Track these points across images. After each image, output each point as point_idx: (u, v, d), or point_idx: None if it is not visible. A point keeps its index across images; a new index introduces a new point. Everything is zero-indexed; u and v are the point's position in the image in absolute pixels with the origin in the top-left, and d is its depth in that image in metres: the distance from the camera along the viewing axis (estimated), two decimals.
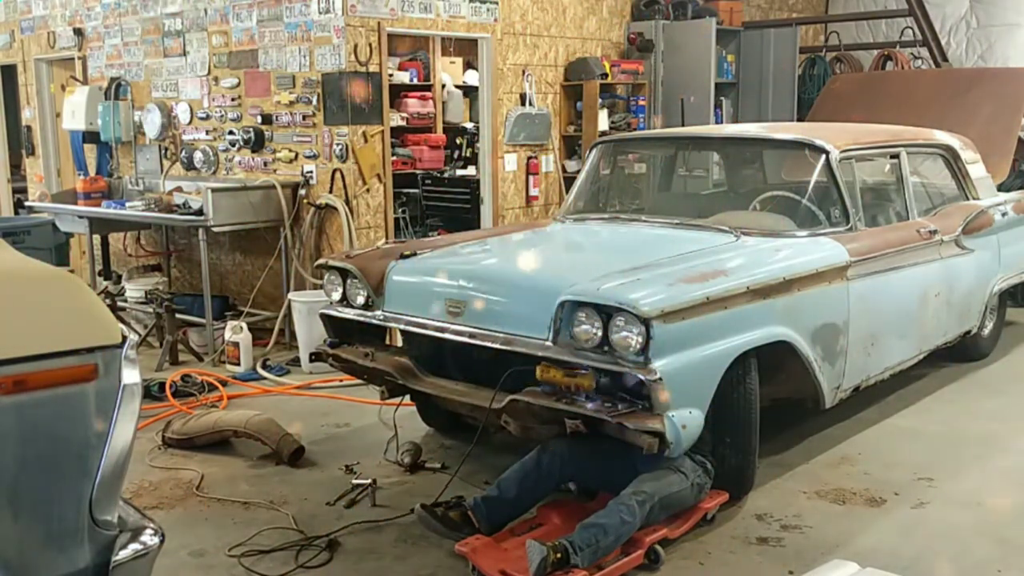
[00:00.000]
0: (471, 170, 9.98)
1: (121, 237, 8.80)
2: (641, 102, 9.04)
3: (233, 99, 7.64)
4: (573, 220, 5.73)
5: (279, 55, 7.25)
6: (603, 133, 8.39)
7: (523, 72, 8.20)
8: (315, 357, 5.08)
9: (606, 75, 8.63)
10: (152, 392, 5.96)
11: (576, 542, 3.58)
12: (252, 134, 7.47)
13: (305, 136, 7.21)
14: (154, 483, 4.74)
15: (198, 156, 7.93)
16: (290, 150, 7.32)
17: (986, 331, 6.55)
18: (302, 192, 7.25)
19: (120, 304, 7.69)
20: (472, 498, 4.04)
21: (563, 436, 4.08)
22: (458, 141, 10.53)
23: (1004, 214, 6.41)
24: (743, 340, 4.12)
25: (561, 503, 4.19)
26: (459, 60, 10.58)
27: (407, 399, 5.01)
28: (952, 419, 5.54)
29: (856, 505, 4.38)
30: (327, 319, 5.03)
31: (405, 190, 9.37)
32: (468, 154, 10.43)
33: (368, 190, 7.12)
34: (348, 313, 4.90)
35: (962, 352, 6.41)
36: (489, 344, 4.25)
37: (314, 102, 7.07)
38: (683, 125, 8.60)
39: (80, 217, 8.01)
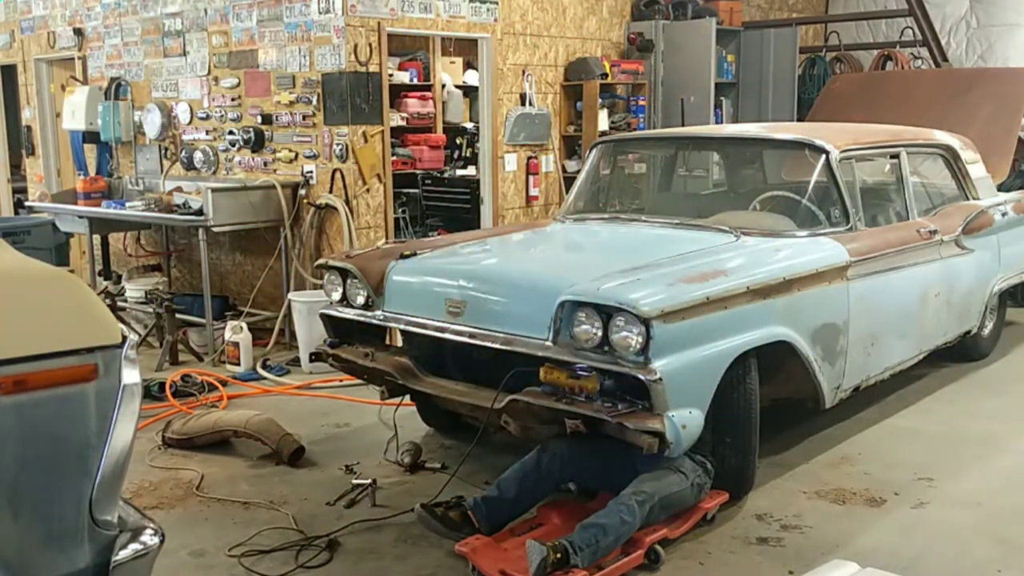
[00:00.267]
0: (471, 170, 9.98)
1: (121, 237, 8.80)
2: (641, 102, 9.04)
3: (233, 99, 7.64)
4: (573, 220, 5.73)
5: (279, 55, 7.25)
6: (603, 133, 8.39)
7: (523, 72, 8.20)
8: (315, 357, 5.09)
9: (606, 75, 8.63)
10: (152, 392, 5.96)
11: (576, 542, 3.58)
12: (252, 134, 7.47)
13: (305, 136, 7.21)
14: (154, 483, 4.74)
15: (198, 156, 7.93)
16: (290, 150, 7.32)
17: (986, 331, 6.55)
18: (302, 192, 7.25)
19: (120, 304, 7.69)
20: (472, 498, 4.04)
21: (563, 436, 4.08)
22: (458, 141, 10.53)
23: (1004, 214, 6.41)
24: (743, 340, 4.12)
25: (561, 503, 4.18)
26: (459, 60, 10.57)
27: (407, 399, 5.02)
28: (952, 419, 5.54)
29: (856, 505, 4.38)
30: (327, 319, 5.04)
31: (405, 190, 9.37)
32: (468, 154, 10.43)
33: (368, 190, 7.12)
34: (348, 313, 4.90)
35: (962, 352, 6.41)
36: (489, 344, 4.25)
37: (314, 102, 7.07)
38: (683, 125, 8.60)
39: (80, 217, 8.01)
